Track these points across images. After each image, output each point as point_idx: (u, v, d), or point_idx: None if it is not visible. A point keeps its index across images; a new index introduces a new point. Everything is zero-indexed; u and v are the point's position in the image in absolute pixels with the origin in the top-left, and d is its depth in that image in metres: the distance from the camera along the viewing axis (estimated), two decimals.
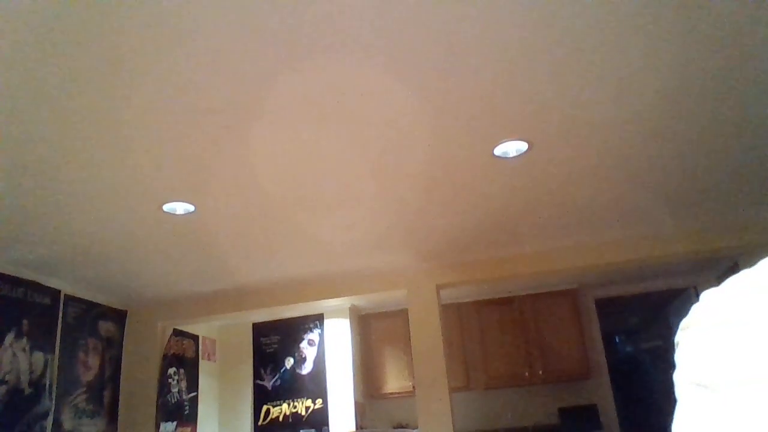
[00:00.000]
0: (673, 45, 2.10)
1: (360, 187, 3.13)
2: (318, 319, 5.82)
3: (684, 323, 0.52)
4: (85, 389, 4.41)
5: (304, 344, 5.82)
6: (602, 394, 5.77)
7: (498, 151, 2.81)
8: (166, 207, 3.13)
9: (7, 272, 3.78)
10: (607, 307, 6.24)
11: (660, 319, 7.21)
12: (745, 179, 3.45)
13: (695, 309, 0.52)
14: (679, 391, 0.49)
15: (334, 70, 2.09)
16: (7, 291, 3.77)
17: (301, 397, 5.67)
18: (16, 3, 1.65)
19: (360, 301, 5.57)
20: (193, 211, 3.22)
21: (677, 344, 0.52)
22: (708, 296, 0.51)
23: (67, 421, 4.19)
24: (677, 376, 0.50)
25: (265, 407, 5.76)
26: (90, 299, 4.58)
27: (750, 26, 2.02)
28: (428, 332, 4.63)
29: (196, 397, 5.55)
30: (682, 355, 0.50)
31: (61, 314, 4.24)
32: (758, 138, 2.91)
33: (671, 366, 0.53)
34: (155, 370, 4.94)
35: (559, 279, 5.63)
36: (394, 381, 5.88)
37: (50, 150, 2.45)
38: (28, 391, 3.83)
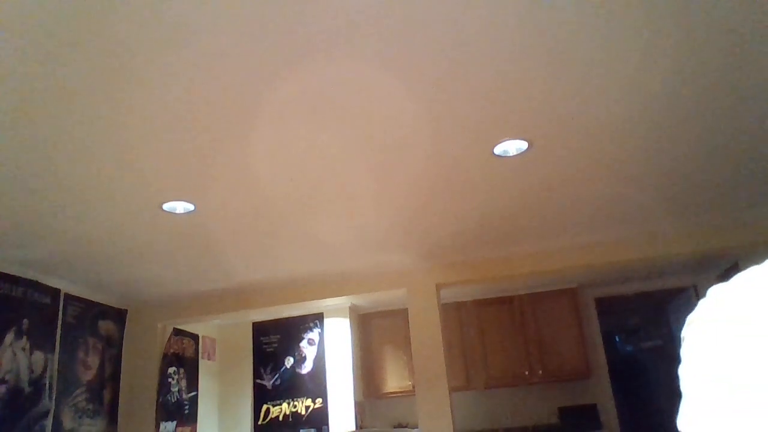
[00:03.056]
0: (672, 45, 2.10)
1: (360, 187, 3.13)
2: (318, 319, 5.82)
3: (691, 318, 0.52)
4: (85, 389, 4.41)
5: (304, 343, 5.82)
6: (602, 394, 5.78)
7: (498, 150, 2.82)
8: (166, 206, 3.13)
9: (7, 272, 3.78)
10: (606, 307, 6.24)
11: (660, 318, 7.21)
12: (745, 179, 3.45)
13: (702, 304, 0.52)
14: (686, 384, 0.49)
15: (334, 69, 2.09)
16: (7, 290, 3.77)
17: (301, 396, 5.67)
18: (15, 5, 1.65)
19: (360, 300, 5.57)
20: (193, 211, 3.22)
21: (683, 339, 0.52)
22: (716, 291, 0.51)
23: (67, 420, 4.19)
24: (684, 370, 0.50)
25: (265, 407, 5.76)
26: (90, 298, 4.58)
27: (750, 26, 2.02)
28: (428, 332, 4.63)
29: (196, 396, 5.55)
30: (689, 349, 0.50)
31: (61, 313, 4.23)
32: (758, 138, 2.91)
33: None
34: (155, 369, 4.94)
35: (558, 278, 5.63)
36: (394, 380, 5.88)
37: (50, 150, 2.45)
38: (28, 390, 3.83)
